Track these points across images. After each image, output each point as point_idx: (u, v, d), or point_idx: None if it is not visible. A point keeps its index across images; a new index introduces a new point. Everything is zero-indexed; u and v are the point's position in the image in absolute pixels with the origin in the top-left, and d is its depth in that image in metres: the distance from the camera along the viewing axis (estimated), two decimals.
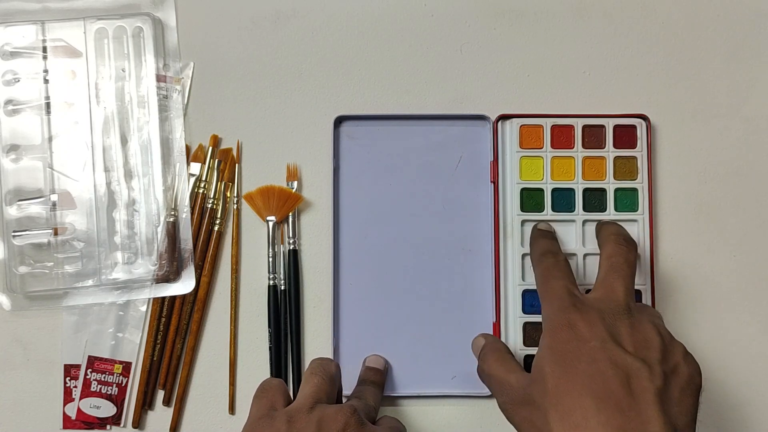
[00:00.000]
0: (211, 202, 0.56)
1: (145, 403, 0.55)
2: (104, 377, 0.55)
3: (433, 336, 0.56)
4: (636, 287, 0.55)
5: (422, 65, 0.58)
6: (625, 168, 0.56)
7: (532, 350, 0.55)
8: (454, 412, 0.56)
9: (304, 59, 0.58)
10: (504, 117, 0.57)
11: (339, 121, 0.57)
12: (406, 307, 0.56)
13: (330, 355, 0.55)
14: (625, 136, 0.57)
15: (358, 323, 0.56)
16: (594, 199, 0.56)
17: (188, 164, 0.56)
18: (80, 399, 0.55)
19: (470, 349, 0.55)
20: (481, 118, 0.57)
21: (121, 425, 0.55)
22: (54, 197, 0.55)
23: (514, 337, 0.55)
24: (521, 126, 0.56)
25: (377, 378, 0.54)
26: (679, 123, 0.58)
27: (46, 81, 0.55)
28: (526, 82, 0.58)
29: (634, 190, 0.56)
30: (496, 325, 0.55)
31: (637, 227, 0.56)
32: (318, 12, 0.59)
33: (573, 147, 0.57)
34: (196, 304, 0.56)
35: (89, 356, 0.55)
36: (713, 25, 0.59)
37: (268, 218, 0.56)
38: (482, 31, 0.59)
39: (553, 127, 0.57)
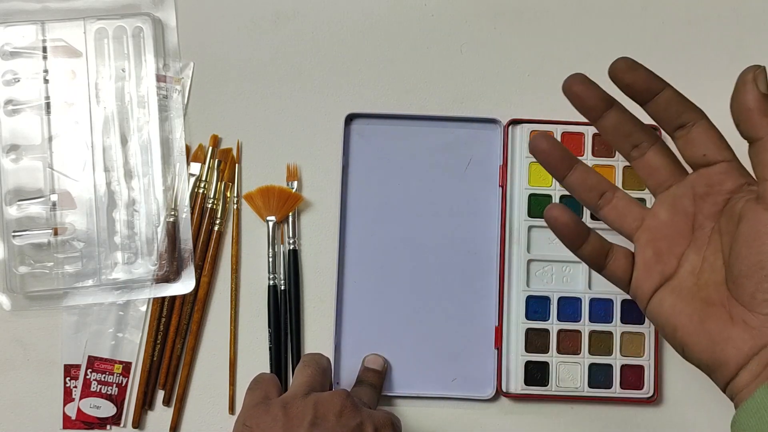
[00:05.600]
0: (211, 202, 0.56)
1: (145, 403, 0.55)
2: (104, 377, 0.55)
3: (434, 337, 0.56)
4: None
5: (423, 65, 0.58)
6: (634, 178, 0.56)
7: (534, 356, 0.55)
8: (454, 414, 0.56)
9: (304, 59, 0.58)
10: (515, 122, 0.57)
11: (349, 119, 0.57)
12: (409, 307, 0.56)
13: (331, 354, 0.55)
14: None
15: (360, 322, 0.56)
16: None
17: (188, 164, 0.56)
18: (80, 399, 0.55)
19: (471, 351, 0.55)
20: (492, 121, 0.57)
21: (121, 425, 0.55)
22: (54, 197, 0.55)
23: (516, 343, 0.55)
24: (532, 132, 0.56)
25: (375, 380, 0.53)
26: None
27: (46, 81, 0.55)
28: (527, 82, 0.58)
29: (643, 200, 0.56)
30: (498, 330, 0.55)
31: None
32: (318, 12, 0.58)
33: (583, 155, 0.56)
34: (196, 304, 0.56)
35: (89, 356, 0.55)
36: (715, 24, 0.59)
37: (268, 218, 0.56)
38: (482, 31, 0.59)
39: (564, 134, 0.56)
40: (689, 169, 0.39)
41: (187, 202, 0.56)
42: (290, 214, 0.56)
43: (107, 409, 0.55)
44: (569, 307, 0.55)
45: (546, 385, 0.55)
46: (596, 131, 0.56)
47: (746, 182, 0.37)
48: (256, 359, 0.56)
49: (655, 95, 0.38)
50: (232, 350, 0.56)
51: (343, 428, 0.43)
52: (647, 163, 0.40)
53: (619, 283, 0.40)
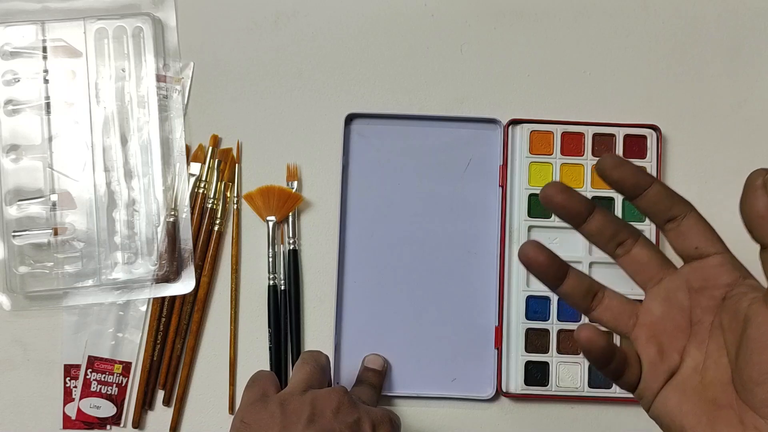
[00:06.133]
0: (211, 202, 0.56)
1: (145, 403, 0.55)
2: (104, 377, 0.55)
3: (434, 337, 0.56)
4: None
5: (423, 65, 0.58)
6: None
7: (534, 356, 0.55)
8: (454, 414, 0.56)
9: (304, 60, 0.58)
10: (515, 122, 0.57)
11: (349, 119, 0.57)
12: (409, 307, 0.56)
13: (331, 354, 0.55)
14: (635, 146, 0.56)
15: (360, 322, 0.56)
16: None
17: (188, 164, 0.56)
18: (80, 399, 0.55)
19: (471, 351, 0.55)
20: (492, 121, 0.57)
21: (121, 425, 0.55)
22: (54, 197, 0.55)
23: (516, 343, 0.55)
24: (531, 132, 0.56)
25: (375, 380, 0.53)
26: (680, 123, 0.58)
27: (46, 81, 0.55)
28: (527, 82, 0.58)
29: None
30: (498, 330, 0.55)
31: None
32: (318, 12, 0.58)
33: (583, 155, 0.56)
34: (196, 304, 0.56)
35: (89, 356, 0.55)
36: (715, 24, 0.59)
37: (268, 218, 0.56)
38: (482, 31, 0.59)
39: (564, 134, 0.56)
40: (675, 262, 0.39)
41: (187, 202, 0.56)
42: (290, 214, 0.56)
43: (107, 409, 0.55)
44: (569, 308, 0.55)
45: (546, 385, 0.55)
46: (597, 131, 0.56)
47: (741, 275, 0.37)
48: (256, 359, 0.56)
49: (644, 190, 0.38)
50: (232, 350, 0.56)
51: (340, 425, 0.43)
52: (634, 259, 0.40)
53: (630, 388, 0.39)
